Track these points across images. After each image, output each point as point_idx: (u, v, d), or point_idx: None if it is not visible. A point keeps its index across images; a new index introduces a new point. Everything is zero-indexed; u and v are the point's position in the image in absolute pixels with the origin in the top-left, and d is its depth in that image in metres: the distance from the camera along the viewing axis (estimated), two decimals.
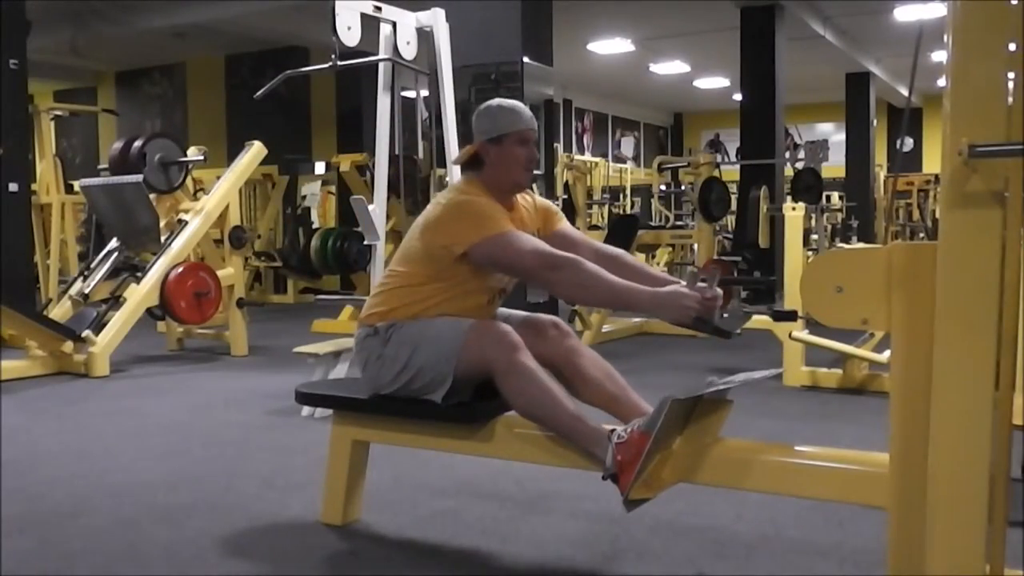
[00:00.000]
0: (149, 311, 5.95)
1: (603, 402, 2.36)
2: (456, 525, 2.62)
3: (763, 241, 7.46)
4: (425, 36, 4.92)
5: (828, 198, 11.97)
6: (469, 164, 2.49)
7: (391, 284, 2.46)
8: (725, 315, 2.25)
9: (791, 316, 3.76)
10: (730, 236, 10.89)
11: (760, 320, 4.98)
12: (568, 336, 2.45)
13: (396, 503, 2.82)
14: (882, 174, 15.04)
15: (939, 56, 7.65)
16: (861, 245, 4.78)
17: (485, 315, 2.46)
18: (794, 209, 4.91)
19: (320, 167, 11.20)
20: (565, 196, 9.81)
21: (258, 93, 4.93)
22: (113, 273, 5.98)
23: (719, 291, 2.19)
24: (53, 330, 5.37)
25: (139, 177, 5.86)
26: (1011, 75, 1.48)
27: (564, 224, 2.59)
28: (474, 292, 2.42)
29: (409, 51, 4.83)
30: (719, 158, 12.63)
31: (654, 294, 2.18)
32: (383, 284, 2.50)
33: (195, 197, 6.78)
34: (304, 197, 11.73)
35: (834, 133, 16.66)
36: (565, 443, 2.22)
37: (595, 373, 2.39)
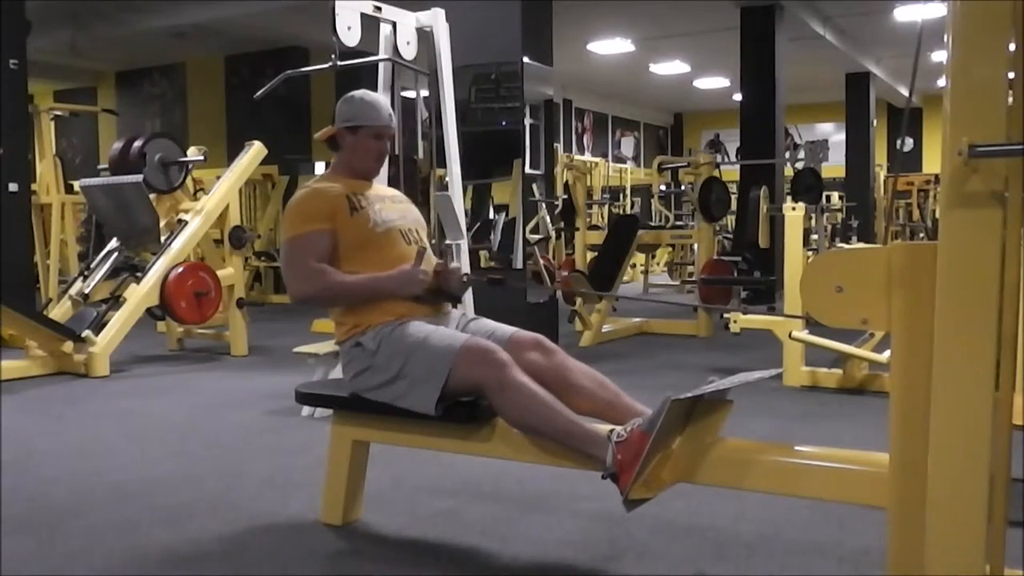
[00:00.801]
0: (149, 311, 5.95)
1: (598, 410, 2.35)
2: (456, 525, 2.62)
3: (763, 241, 7.45)
4: (425, 36, 4.92)
5: (828, 198, 11.98)
6: (330, 144, 2.70)
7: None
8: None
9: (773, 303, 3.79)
10: (730, 236, 10.90)
11: (760, 320, 4.99)
12: (554, 352, 2.45)
13: (396, 503, 2.82)
14: (882, 174, 15.05)
15: (939, 56, 7.65)
16: (861, 245, 4.78)
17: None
18: (794, 209, 4.91)
19: (320, 167, 11.20)
20: (565, 196, 9.82)
21: (258, 93, 4.92)
22: (113, 273, 5.97)
23: (453, 264, 2.58)
24: (53, 330, 5.37)
25: (139, 177, 5.86)
26: (1011, 75, 1.48)
27: None
28: (392, 261, 2.51)
29: (409, 51, 4.83)
30: (719, 158, 12.63)
31: (386, 277, 2.45)
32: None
33: (195, 197, 6.78)
34: None
35: (834, 133, 16.66)
36: (564, 449, 2.21)
37: (586, 383, 2.38)
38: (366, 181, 2.70)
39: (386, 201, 2.66)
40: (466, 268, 3.02)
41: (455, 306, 2.64)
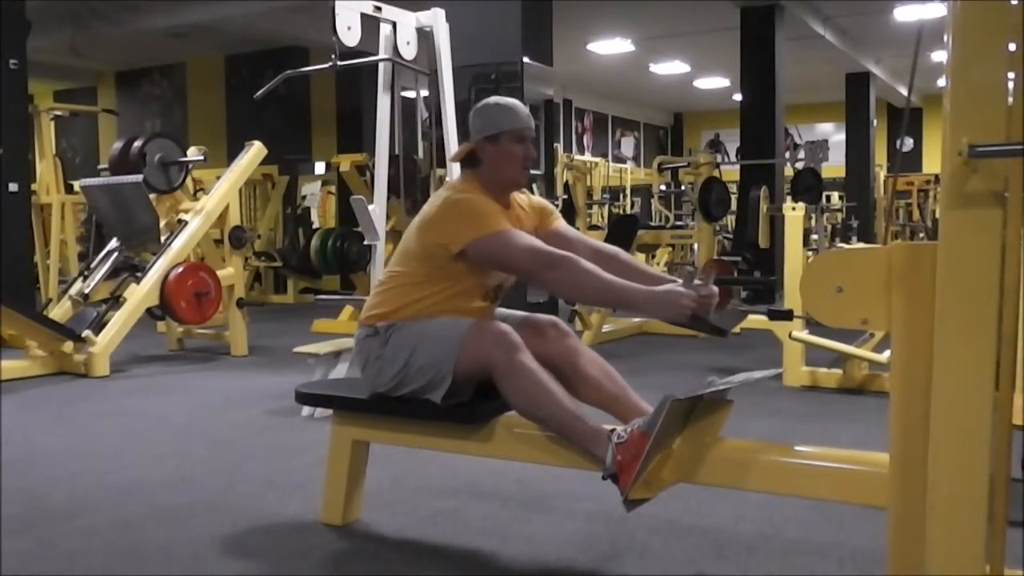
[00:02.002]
0: (149, 311, 5.95)
1: (603, 402, 2.36)
2: (456, 525, 2.62)
3: (763, 241, 7.46)
4: (425, 36, 4.92)
5: (828, 198, 11.98)
6: (466, 162, 2.48)
7: (390, 284, 2.46)
8: (721, 313, 2.25)
9: (787, 315, 3.76)
10: (730, 236, 10.90)
11: (759, 320, 4.99)
12: (568, 336, 2.45)
13: (396, 503, 2.82)
14: (882, 174, 15.04)
15: (939, 56, 7.65)
16: (861, 245, 4.78)
17: (485, 312, 2.46)
18: (794, 209, 4.91)
19: (320, 167, 11.21)
20: (565, 196, 9.81)
21: (258, 93, 4.93)
22: (113, 273, 5.97)
23: (715, 289, 2.19)
24: (53, 330, 5.37)
25: (139, 177, 5.86)
26: (1011, 75, 1.48)
27: (560, 223, 2.59)
28: (473, 289, 2.42)
29: (409, 51, 4.83)
30: (719, 158, 12.64)
31: (650, 292, 2.19)
32: (382, 284, 2.50)
33: (195, 197, 6.78)
34: (304, 197, 11.73)
35: (834, 133, 16.65)
36: (565, 443, 2.22)
37: (595, 373, 2.39)
38: (505, 203, 2.47)
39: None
40: None
41: (722, 335, 2.28)
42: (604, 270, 2.27)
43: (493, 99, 2.51)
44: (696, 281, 2.18)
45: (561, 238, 2.52)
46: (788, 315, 3.75)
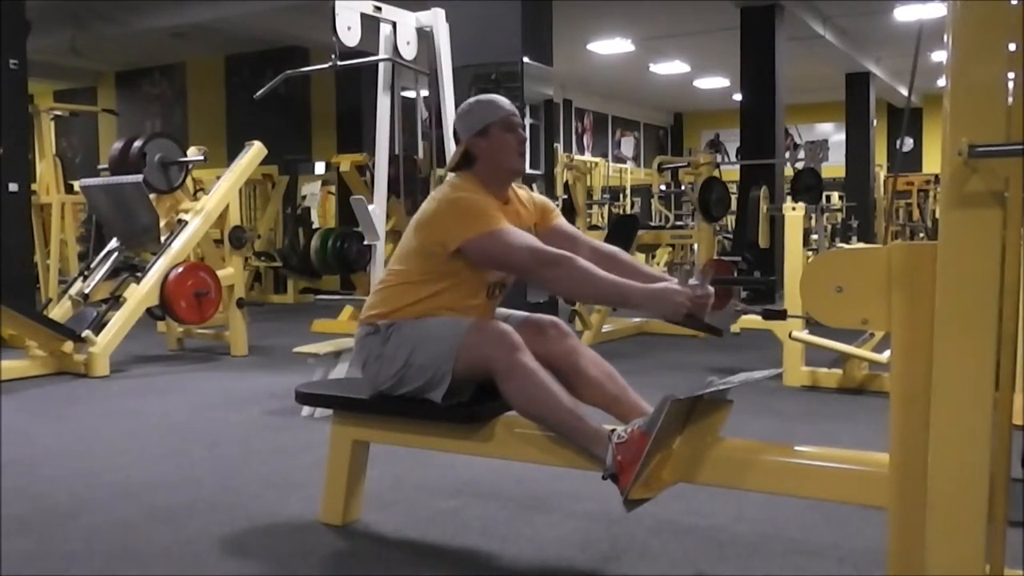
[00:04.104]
0: (149, 311, 5.95)
1: (603, 402, 2.36)
2: (456, 525, 2.62)
3: (763, 241, 7.46)
4: (425, 36, 4.92)
5: (828, 198, 11.97)
6: (462, 164, 2.49)
7: (390, 283, 2.46)
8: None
9: (782, 315, 3.77)
10: (730, 236, 10.90)
11: (759, 320, 4.99)
12: (568, 336, 2.45)
13: (396, 503, 2.82)
14: (882, 174, 15.04)
15: (939, 56, 7.66)
16: (861, 245, 4.79)
17: (485, 311, 2.47)
18: (794, 209, 4.91)
19: (320, 167, 11.21)
20: (565, 196, 9.81)
21: (258, 93, 4.93)
22: (113, 273, 5.97)
23: (711, 289, 2.20)
24: (53, 330, 5.37)
25: (139, 177, 5.86)
26: (1011, 75, 1.48)
27: (561, 220, 2.60)
28: (472, 287, 2.42)
29: (409, 51, 4.83)
30: (719, 158, 12.62)
31: (646, 290, 2.20)
32: (382, 283, 2.50)
33: (195, 197, 6.78)
34: (304, 197, 11.73)
35: (834, 133, 16.66)
36: (565, 443, 2.22)
37: (595, 373, 2.38)
38: (503, 199, 2.46)
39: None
40: None
41: (718, 335, 2.29)
42: (602, 269, 2.28)
43: (472, 99, 2.55)
44: (692, 280, 2.20)
45: (561, 235, 2.53)
46: (783, 315, 3.76)
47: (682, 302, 2.15)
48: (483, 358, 2.26)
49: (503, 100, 2.50)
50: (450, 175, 2.59)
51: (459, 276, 2.38)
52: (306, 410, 4.04)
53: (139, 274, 5.78)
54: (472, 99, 2.54)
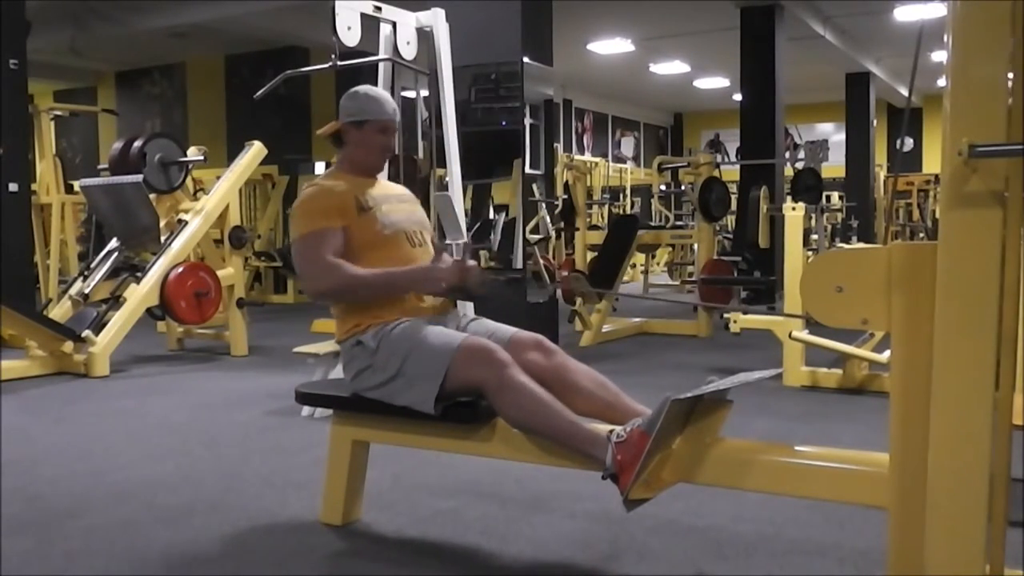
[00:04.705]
0: (149, 311, 5.95)
1: (598, 410, 2.34)
2: (456, 525, 2.62)
3: (763, 241, 7.45)
4: (425, 36, 4.91)
5: (828, 198, 11.97)
6: (334, 140, 2.68)
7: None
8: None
9: (724, 306, 3.86)
10: (730, 236, 10.90)
11: (759, 320, 4.99)
12: (554, 353, 2.45)
13: (396, 503, 2.82)
14: (882, 174, 15.05)
15: (939, 56, 7.66)
16: (861, 245, 4.79)
17: (427, 260, 2.56)
18: (794, 209, 4.91)
19: (320, 167, 11.20)
20: (565, 196, 9.82)
21: (258, 93, 4.92)
22: (113, 273, 5.97)
23: (472, 262, 2.48)
24: (53, 330, 5.37)
25: (139, 177, 5.86)
26: (1011, 75, 1.48)
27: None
28: (389, 254, 2.50)
29: (409, 51, 4.83)
30: (719, 158, 12.63)
31: (405, 272, 2.45)
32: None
33: (195, 197, 6.78)
34: None
35: (834, 133, 16.67)
36: (564, 449, 2.21)
37: (587, 384, 2.38)
38: (371, 178, 2.68)
39: (392, 201, 2.65)
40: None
41: (474, 303, 2.63)
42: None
43: (365, 88, 2.71)
44: (449, 257, 2.46)
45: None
46: (725, 304, 3.88)
47: (440, 277, 2.41)
48: (473, 378, 2.27)
49: (389, 103, 2.69)
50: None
51: (377, 259, 2.48)
52: (306, 410, 4.04)
53: (139, 274, 5.78)
54: (364, 88, 2.70)
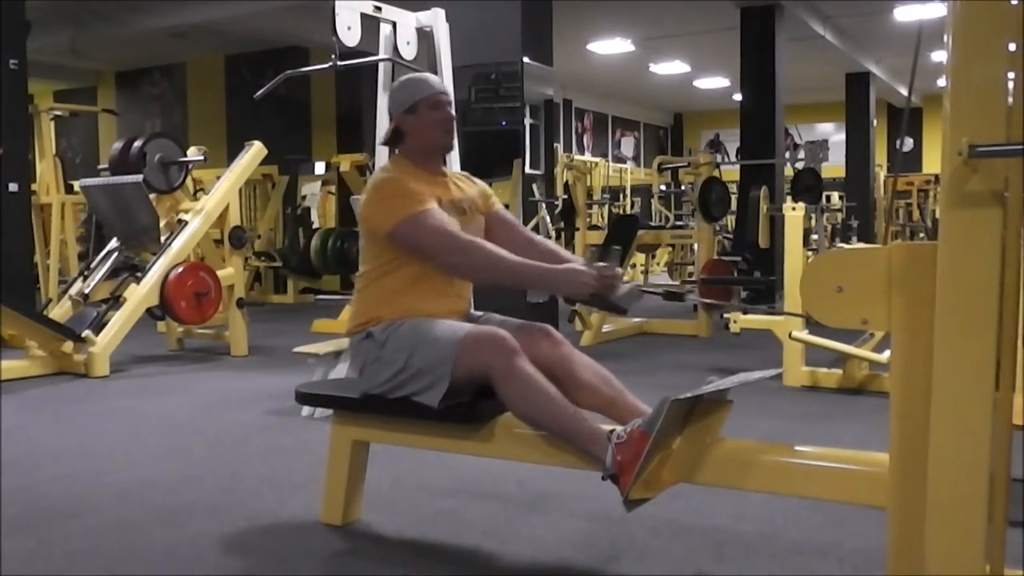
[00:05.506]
0: (149, 311, 5.95)
1: (600, 406, 2.35)
2: (456, 525, 2.62)
3: (763, 241, 7.45)
4: (425, 36, 4.92)
5: (828, 198, 11.97)
6: (394, 142, 2.56)
7: (361, 287, 2.51)
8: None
9: (679, 297, 3.98)
10: (730, 236, 10.89)
11: (760, 320, 4.99)
12: (561, 344, 2.45)
13: (396, 503, 2.82)
14: (882, 174, 15.05)
15: (939, 56, 7.66)
16: (861, 245, 4.79)
17: (457, 293, 2.50)
18: (794, 209, 4.91)
19: (320, 167, 11.20)
20: (565, 196, 9.82)
21: (258, 93, 4.92)
22: (113, 273, 5.97)
23: (617, 270, 2.31)
24: (53, 330, 5.37)
25: (139, 177, 5.86)
26: (1011, 75, 1.47)
27: (499, 206, 2.69)
28: (434, 271, 2.42)
29: (409, 51, 4.83)
30: (719, 158, 12.63)
31: (549, 270, 2.31)
32: (356, 289, 2.55)
33: (195, 197, 6.78)
34: (304, 197, 11.73)
35: (834, 133, 16.66)
36: (565, 445, 2.22)
37: (590, 377, 2.38)
38: (435, 173, 2.53)
39: (450, 208, 2.48)
40: None
41: (622, 313, 2.47)
42: (522, 254, 2.37)
43: (405, 76, 2.63)
44: (600, 263, 2.29)
45: (499, 221, 2.62)
46: (680, 297, 3.98)
47: (586, 282, 2.24)
48: (481, 364, 2.26)
49: (433, 78, 2.60)
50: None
51: (417, 262, 2.41)
52: (306, 410, 4.04)
53: (139, 274, 5.78)
54: (404, 77, 2.62)
